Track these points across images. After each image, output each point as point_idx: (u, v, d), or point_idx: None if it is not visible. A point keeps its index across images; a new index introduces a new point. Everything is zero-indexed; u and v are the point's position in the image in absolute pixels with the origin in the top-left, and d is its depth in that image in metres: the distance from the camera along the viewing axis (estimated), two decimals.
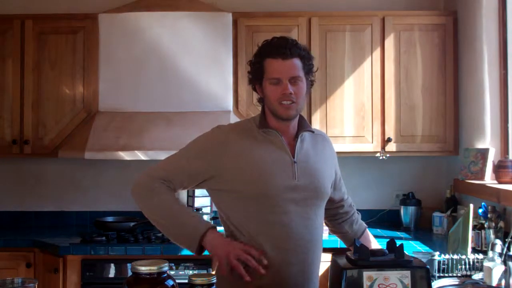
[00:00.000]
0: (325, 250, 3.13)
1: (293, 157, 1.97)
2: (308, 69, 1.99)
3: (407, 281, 1.62)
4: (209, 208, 3.83)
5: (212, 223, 2.02)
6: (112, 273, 3.29)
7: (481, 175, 3.28)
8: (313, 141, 2.07)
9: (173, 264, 3.21)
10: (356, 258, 1.69)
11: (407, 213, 3.87)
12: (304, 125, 2.04)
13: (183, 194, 3.96)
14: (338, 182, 2.17)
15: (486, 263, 2.27)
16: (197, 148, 2.04)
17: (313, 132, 2.06)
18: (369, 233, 2.29)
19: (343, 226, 2.24)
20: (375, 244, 2.26)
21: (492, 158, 3.26)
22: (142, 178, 2.03)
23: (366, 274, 1.63)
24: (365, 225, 2.30)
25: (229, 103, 3.69)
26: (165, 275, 1.48)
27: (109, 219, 3.70)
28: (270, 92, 1.94)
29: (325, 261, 3.01)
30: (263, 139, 1.98)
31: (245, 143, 1.96)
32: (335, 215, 2.23)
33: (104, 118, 3.63)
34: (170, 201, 1.98)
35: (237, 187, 1.94)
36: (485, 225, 2.97)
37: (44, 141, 3.73)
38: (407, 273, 1.63)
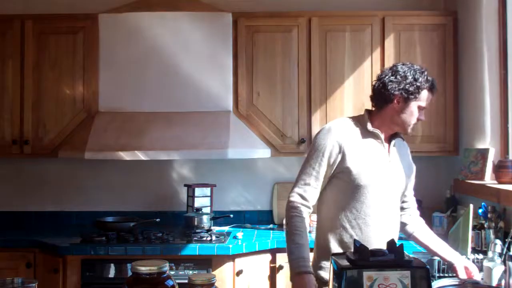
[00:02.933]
0: None
1: (389, 157, 2.34)
2: None
3: (407, 281, 1.62)
4: (209, 208, 3.84)
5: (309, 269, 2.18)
6: (112, 273, 3.29)
7: (481, 175, 3.27)
8: (401, 145, 2.44)
9: (173, 264, 3.21)
10: (356, 258, 1.69)
11: None
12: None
13: (183, 194, 3.97)
14: (411, 181, 2.50)
15: (486, 263, 2.27)
16: (318, 147, 2.30)
17: (403, 139, 2.43)
18: (428, 228, 2.53)
19: (401, 217, 2.49)
20: (429, 240, 2.49)
21: (492, 158, 3.26)
22: (291, 198, 2.30)
23: (366, 274, 1.63)
24: (423, 220, 2.55)
25: (229, 103, 3.69)
26: (165, 275, 1.48)
27: (109, 219, 3.70)
28: (414, 113, 2.31)
29: None
30: (369, 137, 2.32)
31: (354, 138, 2.29)
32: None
33: (104, 118, 3.63)
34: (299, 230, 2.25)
35: (345, 175, 2.26)
36: (485, 225, 2.97)
37: (44, 141, 3.73)
38: (407, 273, 1.63)
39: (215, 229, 3.70)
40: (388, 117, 2.33)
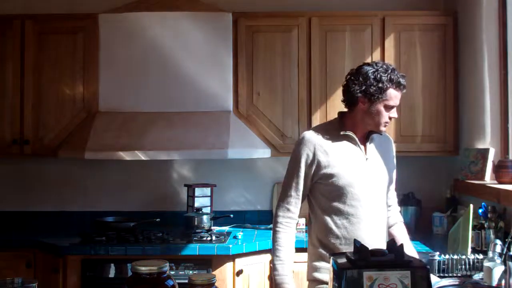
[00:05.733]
0: None
1: (366, 154, 2.35)
2: None
3: (407, 281, 1.62)
4: (209, 208, 3.84)
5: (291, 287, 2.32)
6: (112, 273, 3.29)
7: (481, 175, 3.27)
8: (380, 140, 2.43)
9: (173, 264, 3.21)
10: (356, 258, 1.69)
11: (407, 213, 3.86)
12: None
13: (183, 194, 3.96)
14: (393, 175, 2.51)
15: (486, 263, 2.27)
16: (296, 158, 2.36)
17: (380, 134, 2.40)
18: (403, 227, 2.55)
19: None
20: (404, 237, 2.48)
21: (492, 158, 3.26)
22: (277, 212, 2.38)
23: (366, 274, 1.62)
24: (401, 219, 2.57)
25: (229, 103, 3.69)
26: (165, 275, 1.48)
27: (109, 219, 3.70)
28: (382, 114, 2.30)
29: None
30: (342, 140, 2.34)
31: (328, 144, 2.32)
32: None
33: (104, 118, 3.63)
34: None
35: (324, 181, 2.31)
36: (485, 225, 2.97)
37: (44, 141, 3.73)
38: (407, 273, 1.63)
39: (215, 229, 3.70)
40: (359, 118, 2.34)
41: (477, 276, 2.38)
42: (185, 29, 3.69)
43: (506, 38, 3.28)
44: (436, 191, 3.95)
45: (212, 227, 3.61)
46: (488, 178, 3.24)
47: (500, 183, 3.05)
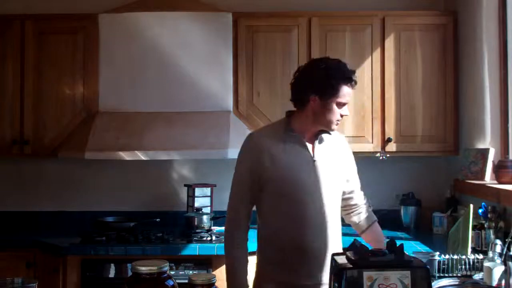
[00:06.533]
0: None
1: (313, 156, 2.24)
2: None
3: (407, 281, 1.62)
4: (209, 208, 3.84)
5: None
6: (112, 273, 3.29)
7: (481, 175, 3.27)
8: (330, 140, 2.32)
9: (173, 264, 3.21)
10: (356, 258, 1.69)
11: (407, 213, 3.87)
12: None
13: (183, 194, 3.96)
14: (351, 175, 2.40)
15: (486, 263, 2.27)
16: (241, 162, 2.29)
17: (330, 133, 2.30)
18: (377, 227, 2.46)
19: (351, 216, 2.45)
20: (381, 237, 2.42)
21: (492, 158, 3.26)
22: (226, 227, 2.30)
23: (366, 274, 1.62)
24: (375, 218, 2.46)
25: (229, 103, 3.69)
26: (165, 275, 1.48)
27: (109, 219, 3.69)
28: (334, 111, 2.21)
29: None
30: (289, 142, 2.24)
31: (274, 146, 2.23)
32: (345, 206, 2.43)
33: (104, 118, 3.63)
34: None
35: (269, 185, 2.23)
36: (485, 225, 2.97)
37: (44, 141, 3.73)
38: (407, 273, 1.63)
39: (215, 229, 3.69)
40: (309, 117, 2.24)
41: (477, 276, 2.37)
42: (185, 29, 3.69)
43: (506, 38, 3.28)
44: (436, 191, 3.95)
45: (212, 227, 3.61)
46: (488, 178, 3.24)
47: (500, 183, 3.05)
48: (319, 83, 2.18)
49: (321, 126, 2.26)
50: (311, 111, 2.23)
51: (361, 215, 2.44)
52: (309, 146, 2.27)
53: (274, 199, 2.24)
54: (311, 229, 2.21)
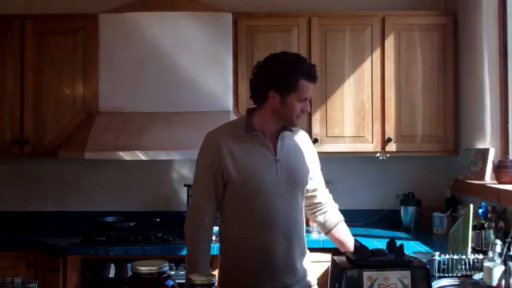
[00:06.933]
0: (325, 250, 3.15)
1: (276, 155, 2.18)
2: None
3: (407, 281, 1.62)
4: None
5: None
6: (112, 273, 3.29)
7: (481, 175, 3.27)
8: (292, 138, 2.27)
9: (173, 264, 3.21)
10: (356, 258, 1.69)
11: (407, 213, 3.86)
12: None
13: (183, 194, 3.96)
14: (314, 173, 2.34)
15: (486, 263, 2.27)
16: (201, 163, 2.27)
17: (292, 131, 2.25)
18: (344, 226, 2.40)
19: (316, 216, 2.41)
20: (348, 237, 2.36)
21: (492, 158, 3.26)
22: (187, 222, 2.28)
23: (366, 274, 1.63)
24: (341, 217, 2.41)
25: (229, 103, 3.69)
26: (165, 275, 1.48)
27: (109, 219, 3.70)
28: (295, 107, 2.15)
29: (325, 261, 3.02)
30: (250, 141, 2.18)
31: (235, 145, 2.17)
32: (309, 205, 2.39)
33: (104, 118, 3.63)
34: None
35: (231, 187, 2.17)
36: (485, 225, 2.97)
37: (44, 141, 3.73)
38: (407, 273, 1.63)
39: (215, 229, 3.69)
40: (269, 114, 2.18)
41: (477, 276, 2.37)
42: (185, 29, 3.69)
43: (506, 38, 3.29)
44: (436, 191, 3.94)
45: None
46: (488, 178, 3.24)
47: (500, 183, 3.05)
48: (278, 79, 2.11)
49: (282, 123, 2.20)
50: (270, 108, 2.17)
51: (326, 214, 2.38)
52: (271, 144, 2.20)
53: (236, 200, 2.19)
54: (274, 231, 2.16)
